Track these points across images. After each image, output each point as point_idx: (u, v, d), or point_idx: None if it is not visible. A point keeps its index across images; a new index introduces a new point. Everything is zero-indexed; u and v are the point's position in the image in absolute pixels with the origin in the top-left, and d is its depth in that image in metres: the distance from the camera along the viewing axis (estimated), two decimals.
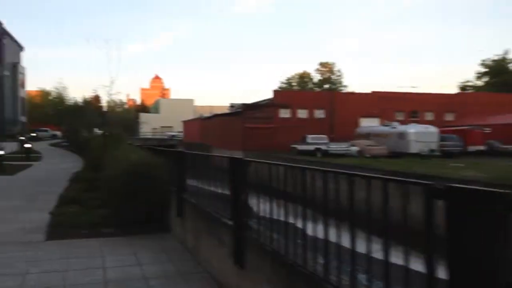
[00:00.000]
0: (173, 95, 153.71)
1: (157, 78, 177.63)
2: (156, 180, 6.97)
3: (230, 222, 4.18)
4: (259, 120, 33.72)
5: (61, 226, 7.22)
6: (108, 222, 7.40)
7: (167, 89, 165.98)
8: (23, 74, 44.13)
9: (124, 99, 57.09)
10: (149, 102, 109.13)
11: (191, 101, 75.42)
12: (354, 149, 28.70)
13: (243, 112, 34.99)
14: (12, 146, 27.35)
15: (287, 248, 3.12)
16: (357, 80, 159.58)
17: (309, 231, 2.91)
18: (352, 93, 46.01)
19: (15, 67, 40.37)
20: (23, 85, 44.61)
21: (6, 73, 36.09)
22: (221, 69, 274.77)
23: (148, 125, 47.93)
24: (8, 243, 6.28)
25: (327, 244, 2.67)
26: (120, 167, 7.37)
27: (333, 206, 2.62)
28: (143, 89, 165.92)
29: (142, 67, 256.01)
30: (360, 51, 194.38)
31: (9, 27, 36.92)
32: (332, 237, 2.61)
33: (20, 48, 43.79)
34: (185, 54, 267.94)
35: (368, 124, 36.86)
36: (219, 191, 4.79)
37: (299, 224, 3.04)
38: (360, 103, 39.20)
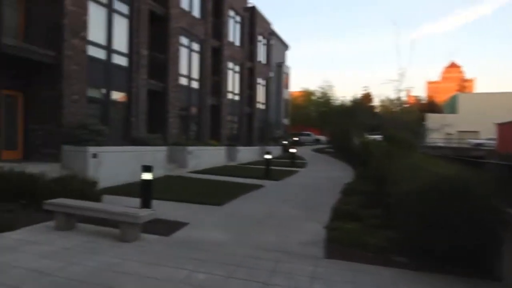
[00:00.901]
0: (479, 88, 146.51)
1: (453, 66, 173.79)
2: (478, 202, 6.67)
3: None
4: None
5: (339, 244, 8.01)
6: (398, 248, 7.65)
7: (469, 81, 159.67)
8: (287, 74, 52.61)
9: (404, 96, 58.45)
10: (440, 99, 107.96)
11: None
12: None
13: None
14: (275, 150, 33.55)
15: None
16: None
17: None
18: None
19: (280, 67, 48.76)
20: (286, 86, 53.15)
21: (271, 74, 43.92)
22: None
23: (441, 129, 46.76)
24: (288, 252, 7.47)
25: None
26: (423, 180, 7.52)
27: None
28: (430, 83, 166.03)
29: (430, 54, 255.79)
30: None
31: (276, 26, 44.97)
32: None
33: (285, 47, 52.56)
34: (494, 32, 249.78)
35: None
36: None
37: None
38: None
